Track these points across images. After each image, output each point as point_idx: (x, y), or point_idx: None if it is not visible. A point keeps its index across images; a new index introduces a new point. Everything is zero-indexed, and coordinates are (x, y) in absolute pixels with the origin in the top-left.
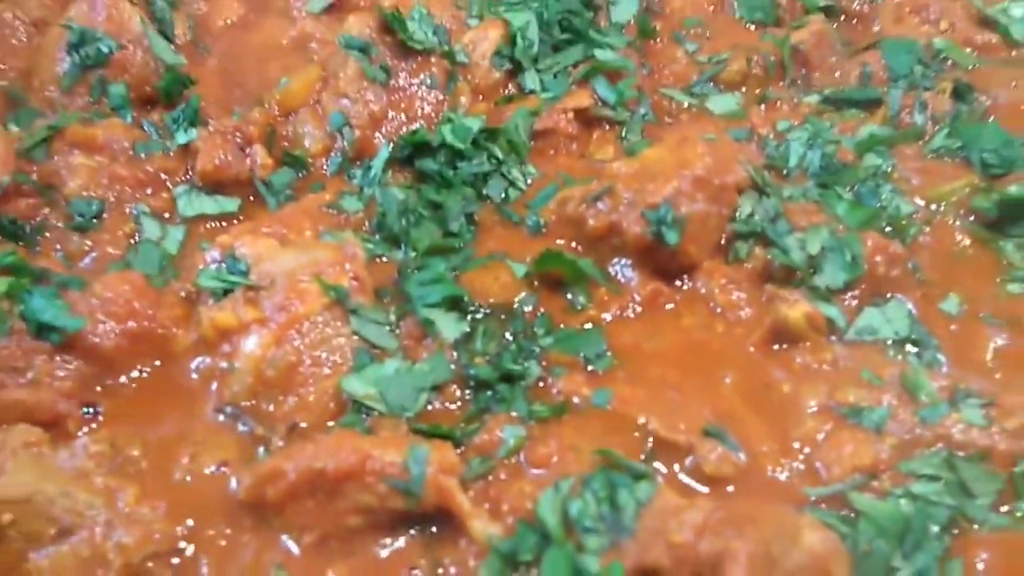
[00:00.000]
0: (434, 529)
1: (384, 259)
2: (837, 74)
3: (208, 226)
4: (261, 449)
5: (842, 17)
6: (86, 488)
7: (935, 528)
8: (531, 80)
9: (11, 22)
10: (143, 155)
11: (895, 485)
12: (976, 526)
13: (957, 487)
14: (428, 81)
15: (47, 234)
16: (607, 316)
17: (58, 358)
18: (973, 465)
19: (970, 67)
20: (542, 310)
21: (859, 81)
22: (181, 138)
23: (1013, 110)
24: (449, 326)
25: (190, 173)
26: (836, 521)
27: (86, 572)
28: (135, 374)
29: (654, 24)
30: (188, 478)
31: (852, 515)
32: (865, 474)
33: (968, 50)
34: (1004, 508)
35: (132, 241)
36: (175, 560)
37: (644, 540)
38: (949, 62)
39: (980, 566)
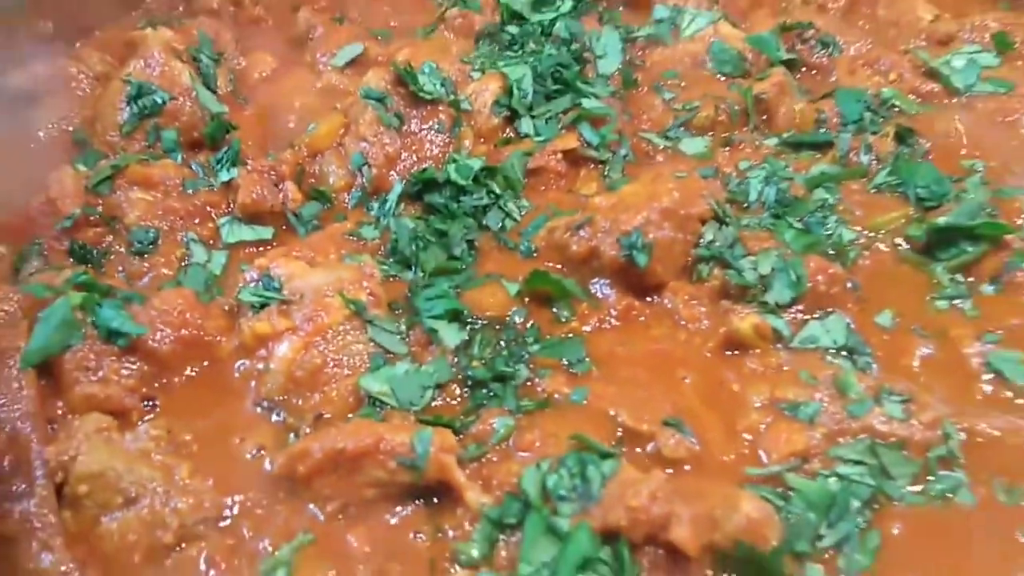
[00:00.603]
0: (436, 500)
1: (396, 278)
2: (796, 119)
3: (247, 251)
4: (292, 435)
5: (803, 69)
6: (147, 465)
7: (857, 503)
8: (526, 125)
9: (76, 76)
10: (191, 191)
11: (824, 468)
12: (894, 502)
13: (878, 470)
14: (436, 126)
15: (111, 257)
16: (587, 327)
17: (124, 359)
18: (892, 451)
19: (914, 113)
20: (531, 322)
21: (815, 126)
22: (224, 176)
23: (950, 150)
24: (451, 335)
25: (231, 206)
26: (772, 496)
27: (148, 533)
28: (187, 373)
29: (636, 76)
30: (231, 459)
31: (786, 492)
32: (799, 458)
33: (913, 97)
34: (918, 488)
35: (183, 264)
36: (221, 524)
37: (607, 505)
38: (896, 108)
39: (895, 532)
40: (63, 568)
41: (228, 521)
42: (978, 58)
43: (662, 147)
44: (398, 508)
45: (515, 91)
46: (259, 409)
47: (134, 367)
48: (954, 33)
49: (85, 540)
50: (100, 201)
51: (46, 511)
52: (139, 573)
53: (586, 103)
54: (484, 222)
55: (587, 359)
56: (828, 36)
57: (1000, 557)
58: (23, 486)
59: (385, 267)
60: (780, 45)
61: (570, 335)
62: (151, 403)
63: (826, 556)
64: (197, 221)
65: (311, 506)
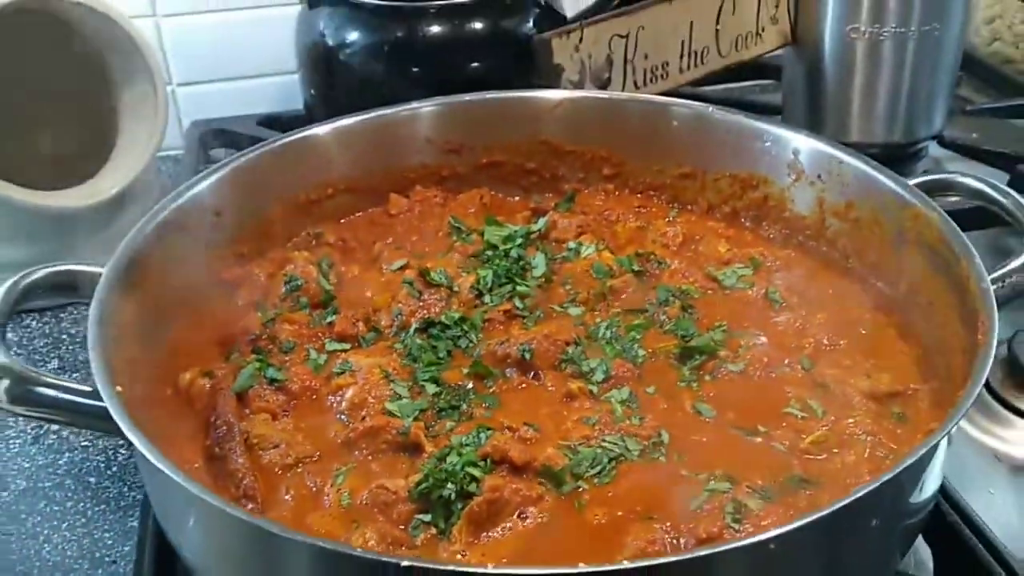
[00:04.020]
0: (413, 451)
1: (408, 366)
2: (631, 299)
3: (336, 354)
4: (351, 425)
5: (646, 275)
6: (283, 433)
7: (607, 459)
8: (487, 298)
9: (256, 274)
10: (312, 326)
11: (595, 444)
12: (627, 460)
13: (623, 447)
14: (438, 298)
15: (271, 354)
16: (499, 390)
17: (276, 393)
18: (631, 439)
19: (697, 297)
20: (472, 386)
21: (642, 303)
22: (328, 319)
23: (713, 316)
24: (431, 389)
25: (331, 334)
26: (567, 452)
27: (281, 459)
28: (304, 401)
29: (553, 277)
30: (323, 435)
31: (576, 451)
32: (583, 440)
33: (700, 289)
34: (642, 455)
35: (305, 358)
36: (314, 459)
37: (485, 446)
38: (687, 295)
39: (625, 469)
40: (244, 467)
41: (317, 457)
42: (739, 271)
43: (558, 311)
44: (395, 453)
45: (481, 283)
46: (337, 416)
47: (280, 397)
48: (732, 259)
49: (254, 461)
50: (268, 330)
51: (238, 446)
52: (277, 476)
53: (519, 288)
54: (457, 343)
55: (497, 403)
56: (662, 259)
57: (668, 481)
58: (229, 436)
59: (404, 361)
60: (634, 263)
61: (491, 394)
62: (286, 411)
63: (587, 476)
64: (314, 340)
65: (355, 452)
